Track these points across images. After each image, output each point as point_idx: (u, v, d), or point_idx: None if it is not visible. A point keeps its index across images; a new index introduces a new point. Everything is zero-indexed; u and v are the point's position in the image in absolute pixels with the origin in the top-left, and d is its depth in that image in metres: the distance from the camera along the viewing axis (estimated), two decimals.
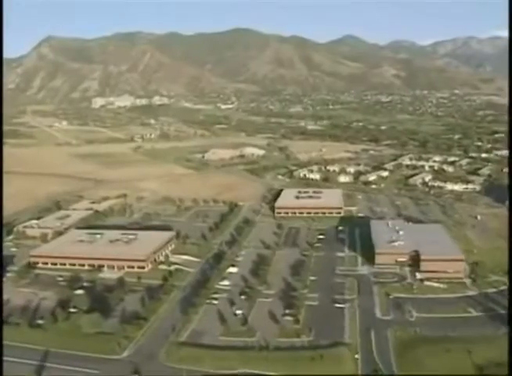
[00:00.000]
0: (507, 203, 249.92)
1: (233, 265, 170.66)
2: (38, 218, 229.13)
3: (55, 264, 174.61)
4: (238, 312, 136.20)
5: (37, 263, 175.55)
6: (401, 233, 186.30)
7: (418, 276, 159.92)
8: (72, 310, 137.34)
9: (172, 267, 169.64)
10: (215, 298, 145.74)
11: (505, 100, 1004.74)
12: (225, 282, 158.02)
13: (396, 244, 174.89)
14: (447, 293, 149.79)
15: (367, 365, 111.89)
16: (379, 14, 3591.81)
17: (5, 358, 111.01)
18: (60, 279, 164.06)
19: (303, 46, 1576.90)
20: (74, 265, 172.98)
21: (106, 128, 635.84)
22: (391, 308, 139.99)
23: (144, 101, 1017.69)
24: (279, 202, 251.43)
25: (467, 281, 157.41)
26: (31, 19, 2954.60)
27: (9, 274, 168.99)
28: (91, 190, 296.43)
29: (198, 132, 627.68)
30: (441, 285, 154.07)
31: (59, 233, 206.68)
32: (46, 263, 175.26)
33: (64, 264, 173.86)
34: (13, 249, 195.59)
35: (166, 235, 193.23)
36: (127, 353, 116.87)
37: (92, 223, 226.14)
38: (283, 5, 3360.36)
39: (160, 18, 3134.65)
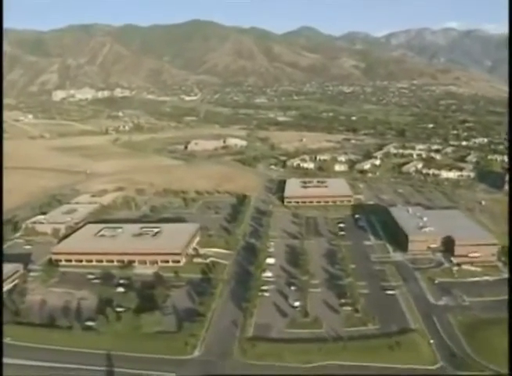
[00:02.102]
0: (503, 188, 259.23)
1: (270, 257, 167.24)
2: (42, 214, 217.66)
3: (81, 261, 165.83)
4: (296, 303, 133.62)
5: (60, 260, 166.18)
6: (425, 219, 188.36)
7: (454, 260, 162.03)
8: (119, 309, 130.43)
9: (208, 260, 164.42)
10: (265, 290, 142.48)
11: (463, 90, 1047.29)
12: (267, 273, 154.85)
13: (427, 229, 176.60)
14: (486, 276, 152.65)
15: (442, 349, 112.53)
16: (332, 5, 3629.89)
17: (71, 365, 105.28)
18: (91, 276, 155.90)
19: (262, 38, 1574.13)
20: (102, 261, 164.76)
21: (75, 121, 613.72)
22: (440, 293, 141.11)
23: (105, 93, 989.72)
24: (288, 192, 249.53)
25: (499, 264, 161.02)
26: None
27: (32, 273, 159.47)
28: (86, 184, 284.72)
29: (171, 124, 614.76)
30: (478, 269, 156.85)
31: (71, 229, 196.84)
32: (70, 260, 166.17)
33: (90, 260, 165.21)
34: (27, 247, 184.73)
35: (191, 227, 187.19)
36: (198, 352, 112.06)
37: (101, 217, 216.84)
38: None
39: (116, 9, 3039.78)
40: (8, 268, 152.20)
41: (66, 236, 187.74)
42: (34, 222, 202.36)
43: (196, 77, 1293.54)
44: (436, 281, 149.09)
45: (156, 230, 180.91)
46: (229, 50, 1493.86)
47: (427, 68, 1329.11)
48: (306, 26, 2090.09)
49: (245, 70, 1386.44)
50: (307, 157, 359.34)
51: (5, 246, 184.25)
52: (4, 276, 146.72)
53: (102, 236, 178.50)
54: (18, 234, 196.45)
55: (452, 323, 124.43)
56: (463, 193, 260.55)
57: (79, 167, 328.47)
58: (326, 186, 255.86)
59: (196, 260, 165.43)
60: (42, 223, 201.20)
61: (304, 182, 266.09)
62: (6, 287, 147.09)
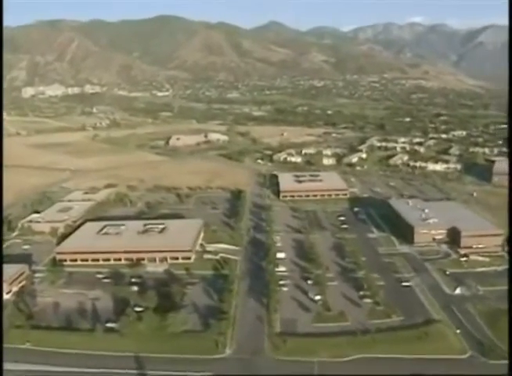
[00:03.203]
0: (492, 181, 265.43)
1: (279, 251, 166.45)
2: (35, 212, 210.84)
3: (87, 260, 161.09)
4: (317, 297, 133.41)
5: (65, 260, 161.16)
6: (426, 211, 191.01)
7: (461, 251, 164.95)
8: (138, 309, 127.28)
9: (218, 256, 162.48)
10: (283, 285, 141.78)
11: (432, 83, 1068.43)
12: (281, 268, 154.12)
13: (431, 221, 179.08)
14: (494, 266, 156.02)
15: (469, 339, 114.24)
16: (298, 1, 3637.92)
17: (98, 370, 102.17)
18: (101, 276, 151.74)
19: (231, 33, 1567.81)
20: (109, 260, 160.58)
21: (48, 118, 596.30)
22: (454, 283, 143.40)
23: (75, 90, 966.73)
24: (283, 186, 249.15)
25: (504, 254, 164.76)
26: None
27: (38, 274, 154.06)
28: (74, 181, 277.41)
29: (147, 120, 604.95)
30: (486, 259, 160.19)
31: (70, 227, 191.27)
32: (75, 260, 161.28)
33: (97, 259, 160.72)
34: (26, 246, 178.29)
35: (195, 223, 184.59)
36: (230, 351, 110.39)
37: (98, 215, 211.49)
38: None
39: (82, 5, 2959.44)
40: (13, 269, 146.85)
41: (65, 235, 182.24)
42: (30, 221, 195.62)
43: (166, 72, 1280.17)
44: (447, 272, 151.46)
45: (161, 227, 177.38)
46: (199, 45, 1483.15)
47: (396, 62, 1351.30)
48: (274, 21, 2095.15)
49: (215, 66, 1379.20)
50: (293, 151, 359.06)
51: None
52: (10, 278, 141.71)
53: (106, 234, 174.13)
54: (14, 234, 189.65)
55: (472, 312, 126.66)
56: (452, 185, 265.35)
57: (62, 164, 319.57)
58: (320, 180, 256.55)
59: (207, 256, 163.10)
60: (39, 222, 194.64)
61: (298, 177, 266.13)
62: (13, 289, 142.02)
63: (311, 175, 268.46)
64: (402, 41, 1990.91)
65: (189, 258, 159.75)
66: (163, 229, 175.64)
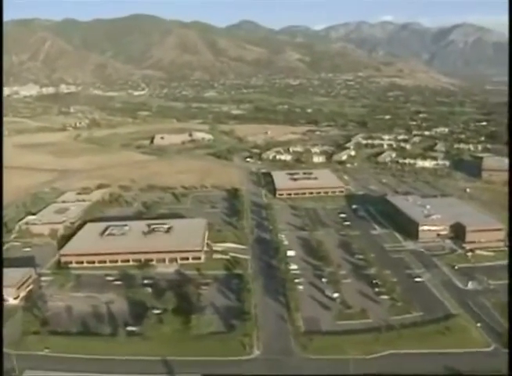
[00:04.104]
0: (482, 177, 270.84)
1: (290, 249, 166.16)
2: (29, 213, 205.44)
3: (93, 262, 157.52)
4: (335, 295, 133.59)
5: (70, 262, 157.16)
6: (428, 207, 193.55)
7: (467, 246, 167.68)
8: (156, 311, 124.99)
9: (228, 256, 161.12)
10: (298, 283, 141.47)
11: (407, 81, 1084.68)
12: (293, 266, 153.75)
13: (434, 217, 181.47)
14: (500, 260, 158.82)
15: (490, 332, 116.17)
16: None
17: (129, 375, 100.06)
18: (110, 278, 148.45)
19: (205, 31, 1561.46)
20: (116, 261, 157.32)
21: (27, 118, 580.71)
22: (465, 278, 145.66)
23: (50, 90, 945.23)
24: (279, 184, 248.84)
25: (506, 249, 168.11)
26: None
27: (44, 278, 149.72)
28: (64, 181, 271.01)
29: (127, 119, 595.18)
30: (490, 253, 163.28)
31: (69, 229, 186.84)
32: (81, 262, 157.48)
33: (104, 261, 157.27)
34: (26, 249, 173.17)
35: (200, 223, 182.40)
36: (258, 351, 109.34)
37: (96, 215, 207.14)
38: None
39: (54, 4, 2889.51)
40: (19, 273, 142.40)
41: (66, 237, 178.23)
42: (28, 223, 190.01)
43: (141, 71, 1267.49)
44: (456, 267, 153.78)
45: (166, 227, 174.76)
46: (173, 44, 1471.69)
47: (370, 60, 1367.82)
48: (246, 20, 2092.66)
49: (190, 65, 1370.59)
50: (282, 150, 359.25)
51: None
52: (17, 283, 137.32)
53: (111, 235, 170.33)
54: (12, 236, 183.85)
55: (488, 306, 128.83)
56: (444, 181, 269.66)
57: (49, 164, 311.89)
58: (315, 178, 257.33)
59: (216, 256, 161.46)
60: (36, 224, 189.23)
61: (292, 175, 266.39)
62: (21, 294, 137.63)
63: (305, 173, 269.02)
64: (374, 39, 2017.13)
65: (199, 258, 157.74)
66: (169, 228, 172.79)
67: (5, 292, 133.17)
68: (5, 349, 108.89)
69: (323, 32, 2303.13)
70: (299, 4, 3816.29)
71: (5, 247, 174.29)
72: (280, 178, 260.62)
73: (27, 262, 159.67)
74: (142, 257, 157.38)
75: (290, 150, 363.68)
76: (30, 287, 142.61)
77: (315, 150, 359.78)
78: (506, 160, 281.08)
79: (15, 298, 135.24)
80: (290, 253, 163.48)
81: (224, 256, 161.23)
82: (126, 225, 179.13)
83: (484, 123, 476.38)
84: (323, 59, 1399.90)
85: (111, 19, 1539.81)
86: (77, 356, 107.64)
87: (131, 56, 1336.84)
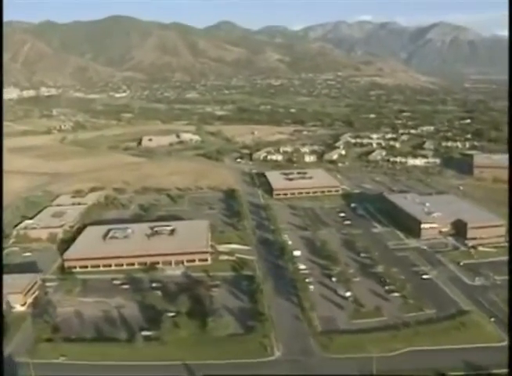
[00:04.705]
0: (473, 174, 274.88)
1: (295, 249, 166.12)
2: (23, 218, 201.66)
3: (98, 266, 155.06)
4: (347, 294, 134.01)
5: (75, 267, 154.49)
6: (427, 204, 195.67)
7: (469, 243, 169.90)
8: (170, 315, 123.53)
9: (234, 257, 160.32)
10: (309, 283, 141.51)
11: (387, 80, 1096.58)
12: (300, 266, 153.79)
13: (435, 215, 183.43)
14: (501, 256, 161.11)
15: (504, 327, 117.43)
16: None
17: None
18: (117, 282, 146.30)
19: (184, 33, 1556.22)
20: (122, 265, 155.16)
21: (10, 122, 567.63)
22: (471, 274, 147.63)
23: (31, 92, 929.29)
24: (276, 184, 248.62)
25: (507, 244, 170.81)
26: None
27: (49, 283, 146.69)
28: (56, 185, 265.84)
29: (111, 122, 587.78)
30: (492, 250, 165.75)
31: (68, 232, 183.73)
32: (85, 266, 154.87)
33: (109, 265, 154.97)
34: (26, 254, 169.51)
35: (202, 224, 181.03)
36: (279, 352, 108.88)
37: (93, 218, 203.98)
38: None
39: (32, 6, 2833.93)
40: (25, 279, 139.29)
41: (66, 241, 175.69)
42: (26, 228, 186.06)
43: (122, 73, 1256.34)
44: (461, 263, 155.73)
45: (169, 229, 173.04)
46: (153, 46, 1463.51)
47: (349, 60, 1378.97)
48: (225, 20, 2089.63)
49: (171, 66, 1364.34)
50: (272, 150, 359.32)
51: None
52: (24, 289, 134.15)
53: (114, 238, 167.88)
54: (11, 241, 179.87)
55: (498, 301, 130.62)
56: (436, 179, 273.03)
57: (39, 168, 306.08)
58: (310, 178, 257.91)
59: (223, 257, 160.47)
60: (35, 228, 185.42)
61: (286, 175, 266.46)
62: (28, 300, 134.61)
63: (300, 173, 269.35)
64: (352, 39, 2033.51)
65: (206, 260, 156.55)
66: (172, 231, 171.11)
67: (12, 299, 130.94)
68: (20, 358, 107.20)
69: (301, 32, 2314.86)
70: (276, 4, 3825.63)
71: (4, 252, 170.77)
72: (276, 179, 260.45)
73: (29, 267, 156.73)
74: (148, 260, 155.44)
75: (281, 150, 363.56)
76: (36, 293, 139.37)
77: (305, 149, 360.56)
78: (495, 158, 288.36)
79: (22, 305, 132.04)
80: (296, 253, 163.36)
81: (230, 257, 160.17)
82: (128, 228, 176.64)
83: (468, 121, 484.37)
84: (303, 60, 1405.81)
85: (90, 22, 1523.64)
86: (95, 363, 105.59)
87: (111, 58, 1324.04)
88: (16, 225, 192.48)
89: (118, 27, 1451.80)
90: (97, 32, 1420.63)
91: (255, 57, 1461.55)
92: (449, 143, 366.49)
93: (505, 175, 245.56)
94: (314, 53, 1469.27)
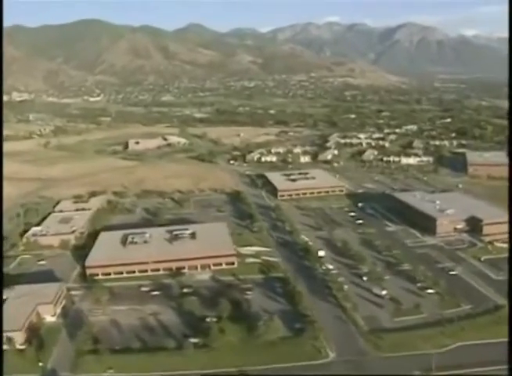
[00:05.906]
0: (468, 172, 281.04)
1: (319, 249, 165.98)
2: (26, 224, 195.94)
3: (121, 273, 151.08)
4: (383, 292, 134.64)
5: (97, 274, 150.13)
6: (438, 202, 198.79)
7: (486, 239, 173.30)
8: (213, 320, 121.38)
9: (260, 259, 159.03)
10: (342, 283, 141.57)
11: (359, 81, 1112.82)
12: (329, 266, 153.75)
13: (449, 212, 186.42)
14: None
15: None
16: (216, 2, 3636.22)
17: None
18: (146, 289, 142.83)
19: (155, 35, 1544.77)
20: (146, 271, 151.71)
21: None
22: (495, 269, 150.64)
23: (4, 97, 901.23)
24: (280, 185, 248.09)
25: None
26: None
27: (74, 292, 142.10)
28: (52, 190, 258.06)
29: (90, 126, 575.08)
30: (507, 245, 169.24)
31: (80, 239, 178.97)
32: (108, 273, 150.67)
33: (133, 271, 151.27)
34: (41, 262, 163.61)
35: (221, 227, 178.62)
36: (334, 354, 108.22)
37: (103, 224, 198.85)
38: None
39: None
40: (51, 288, 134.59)
41: (80, 248, 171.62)
42: (35, 235, 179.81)
43: (94, 77, 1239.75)
44: (482, 259, 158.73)
45: (188, 232, 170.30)
46: (124, 49, 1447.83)
47: (321, 61, 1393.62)
48: (194, 23, 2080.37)
49: (143, 69, 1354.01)
50: (265, 151, 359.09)
51: (14, 263, 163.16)
52: (53, 299, 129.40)
53: (133, 243, 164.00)
54: (20, 249, 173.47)
55: None
56: (433, 177, 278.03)
57: (29, 173, 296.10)
58: (313, 178, 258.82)
59: (248, 260, 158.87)
60: (45, 235, 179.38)
61: (288, 175, 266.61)
62: (57, 310, 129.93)
63: (301, 174, 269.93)
64: (321, 40, 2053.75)
65: (232, 264, 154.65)
66: (193, 234, 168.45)
67: (42, 310, 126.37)
68: (64, 373, 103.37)
69: (270, 34, 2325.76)
70: (244, 6, 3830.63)
71: (17, 261, 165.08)
72: (278, 180, 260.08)
73: (48, 276, 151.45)
74: (173, 265, 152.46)
75: (273, 151, 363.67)
76: (63, 302, 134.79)
77: (297, 150, 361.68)
78: (487, 155, 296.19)
79: (52, 315, 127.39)
80: (321, 253, 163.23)
81: (256, 260, 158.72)
82: (145, 232, 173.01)
83: (448, 120, 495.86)
84: (275, 61, 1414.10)
85: (59, 25, 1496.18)
86: (145, 374, 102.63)
87: (82, 61, 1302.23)
88: (23, 233, 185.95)
89: (88, 31, 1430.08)
90: (67, 36, 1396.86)
91: (227, 59, 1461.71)
92: (437, 142, 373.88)
93: (498, 172, 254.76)
94: (285, 55, 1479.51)
